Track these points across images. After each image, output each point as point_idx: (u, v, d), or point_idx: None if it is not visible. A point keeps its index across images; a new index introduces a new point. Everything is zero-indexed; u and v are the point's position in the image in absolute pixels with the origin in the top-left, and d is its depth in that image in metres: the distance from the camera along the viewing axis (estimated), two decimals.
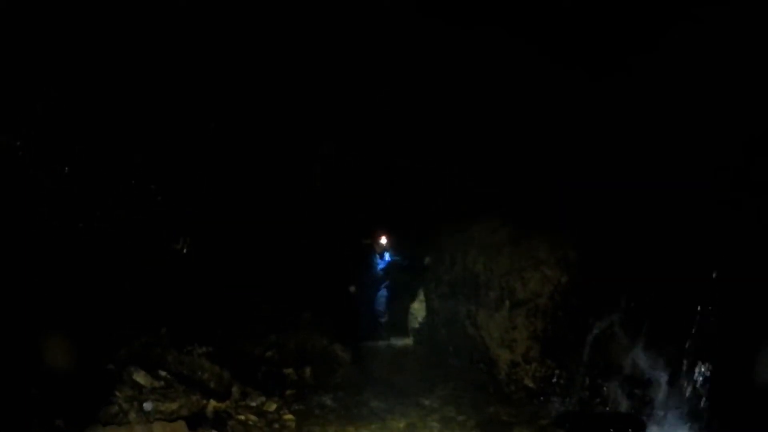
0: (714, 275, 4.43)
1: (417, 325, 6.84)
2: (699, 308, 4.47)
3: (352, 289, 7.66)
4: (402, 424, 4.69)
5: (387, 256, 7.76)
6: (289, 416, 4.70)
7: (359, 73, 6.14)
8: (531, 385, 5.17)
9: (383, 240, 7.71)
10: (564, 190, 5.35)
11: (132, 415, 3.97)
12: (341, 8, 5.26)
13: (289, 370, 5.67)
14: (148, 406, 4.05)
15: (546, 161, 5.56)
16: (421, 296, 7.36)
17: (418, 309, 7.44)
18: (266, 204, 6.71)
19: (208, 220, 5.78)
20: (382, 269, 7.79)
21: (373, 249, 7.68)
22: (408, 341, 7.54)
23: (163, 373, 4.44)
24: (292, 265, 7.03)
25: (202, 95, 5.38)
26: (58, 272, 3.98)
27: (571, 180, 5.31)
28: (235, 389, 4.77)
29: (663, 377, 4.70)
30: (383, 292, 7.87)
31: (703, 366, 4.46)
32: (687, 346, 4.52)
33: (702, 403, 4.42)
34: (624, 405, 4.83)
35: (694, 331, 4.48)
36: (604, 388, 4.93)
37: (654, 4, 4.91)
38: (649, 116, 4.89)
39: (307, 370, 5.72)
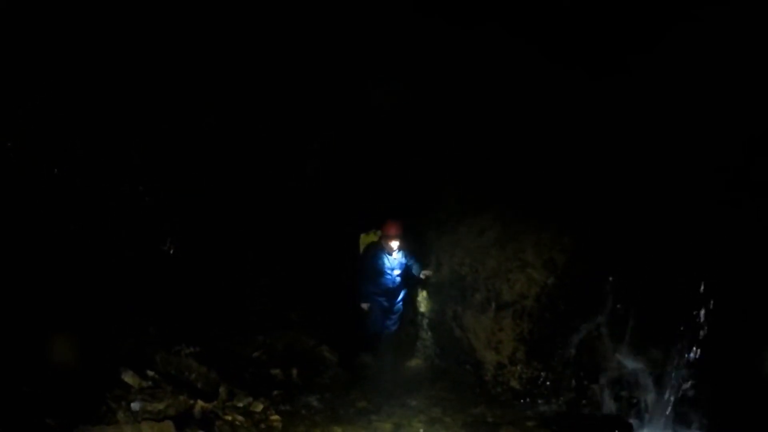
0: (703, 277, 4.63)
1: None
2: (686, 310, 4.67)
3: (365, 306, 6.14)
4: (388, 425, 4.83)
5: (401, 257, 6.03)
6: (276, 417, 4.79)
7: (357, 71, 6.22)
8: (517, 386, 5.33)
9: (395, 235, 5.86)
10: (558, 190, 5.48)
11: (120, 415, 4.05)
12: (340, 7, 5.36)
13: (277, 371, 5.76)
14: (135, 405, 4.15)
15: (543, 161, 5.68)
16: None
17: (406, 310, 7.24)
18: (255, 203, 6.78)
19: (196, 219, 5.88)
20: (399, 275, 6.03)
21: (381, 247, 5.98)
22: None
23: (150, 373, 4.54)
24: (280, 265, 7.10)
25: (192, 93, 5.48)
26: (46, 273, 4.15)
27: (567, 180, 5.46)
28: (222, 389, 4.87)
29: (650, 379, 4.91)
30: (399, 307, 6.33)
31: (689, 367, 4.68)
32: (674, 347, 4.73)
33: (688, 405, 4.66)
34: (610, 407, 5.02)
35: (681, 332, 4.69)
36: (591, 390, 5.11)
37: (654, 4, 5.11)
38: (648, 116, 5.01)
39: (294, 371, 5.81)
